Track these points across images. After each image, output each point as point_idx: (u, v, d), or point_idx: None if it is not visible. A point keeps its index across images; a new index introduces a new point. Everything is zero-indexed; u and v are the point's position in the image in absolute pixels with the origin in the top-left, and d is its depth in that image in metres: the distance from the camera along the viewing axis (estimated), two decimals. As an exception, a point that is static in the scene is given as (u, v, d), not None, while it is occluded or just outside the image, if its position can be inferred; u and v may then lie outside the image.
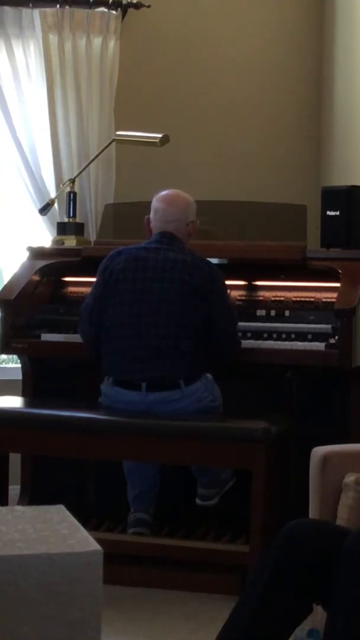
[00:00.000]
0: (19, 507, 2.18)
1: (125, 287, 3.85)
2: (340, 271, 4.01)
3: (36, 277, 4.31)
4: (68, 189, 4.66)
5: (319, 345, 3.85)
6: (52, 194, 4.74)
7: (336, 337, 3.82)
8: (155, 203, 4.00)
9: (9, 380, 4.65)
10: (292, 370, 4.00)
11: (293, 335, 3.94)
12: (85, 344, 3.96)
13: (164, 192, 4.01)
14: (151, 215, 4.00)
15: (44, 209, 4.61)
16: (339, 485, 2.87)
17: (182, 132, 4.92)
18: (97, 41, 4.83)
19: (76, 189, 4.67)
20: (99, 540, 1.91)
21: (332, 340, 3.84)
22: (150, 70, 5.04)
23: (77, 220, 4.68)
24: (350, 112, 4.86)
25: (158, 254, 3.88)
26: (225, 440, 3.62)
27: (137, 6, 4.88)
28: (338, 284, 3.99)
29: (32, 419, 3.85)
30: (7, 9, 4.73)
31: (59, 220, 4.72)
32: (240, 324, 3.94)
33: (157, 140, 4.59)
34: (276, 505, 3.69)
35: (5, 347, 4.18)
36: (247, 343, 3.93)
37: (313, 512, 2.93)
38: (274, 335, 3.96)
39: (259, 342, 3.94)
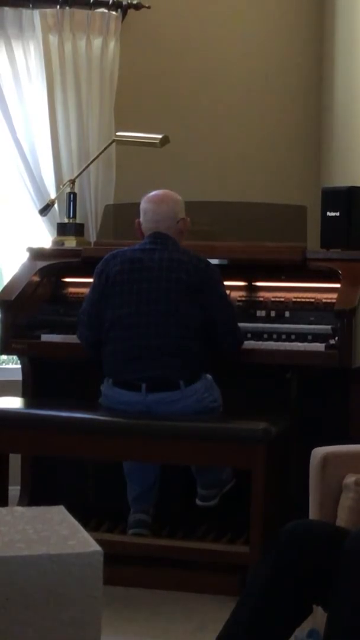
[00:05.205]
0: (19, 508, 2.18)
1: (123, 289, 3.85)
2: (340, 272, 4.01)
3: (36, 278, 4.32)
4: (68, 190, 4.66)
5: (319, 346, 3.85)
6: (52, 194, 4.74)
7: (336, 338, 3.82)
8: (143, 204, 4.00)
9: (8, 380, 4.65)
10: (292, 370, 4.00)
11: (293, 336, 3.94)
12: (84, 348, 3.96)
13: (151, 193, 4.02)
14: (141, 218, 4.00)
15: (44, 210, 4.61)
16: (339, 486, 2.87)
17: (182, 133, 4.91)
18: (97, 42, 4.83)
19: (76, 190, 4.68)
20: (99, 541, 1.91)
21: (332, 341, 3.84)
22: (150, 71, 5.04)
23: (77, 220, 4.68)
24: (350, 112, 4.86)
25: (154, 254, 3.88)
26: (226, 441, 3.63)
27: (137, 7, 4.88)
28: (338, 285, 3.99)
29: (32, 420, 3.85)
30: (7, 9, 4.73)
31: (59, 221, 4.72)
32: (241, 324, 3.94)
33: (157, 141, 4.59)
34: (276, 505, 3.69)
35: (5, 348, 4.18)
36: (247, 344, 3.93)
37: (313, 513, 2.93)
38: (274, 336, 3.96)
39: (259, 342, 3.94)
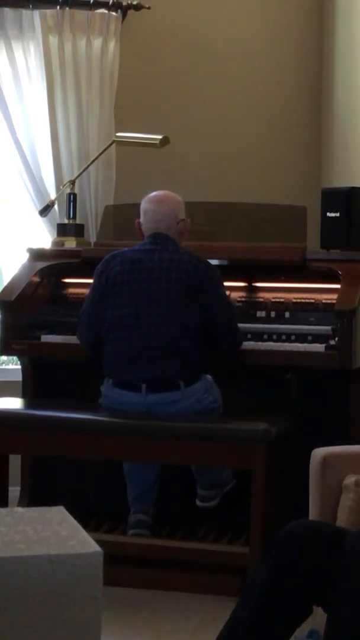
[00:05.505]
0: (19, 509, 2.18)
1: (123, 290, 3.85)
2: (340, 272, 4.01)
3: (36, 279, 4.32)
4: (68, 190, 4.66)
5: (319, 347, 3.85)
6: (52, 195, 4.74)
7: (336, 339, 3.82)
8: (144, 205, 4.00)
9: (9, 381, 4.65)
10: (292, 371, 4.00)
11: (293, 337, 3.94)
12: (85, 349, 3.96)
13: (151, 194, 4.02)
14: (141, 218, 4.00)
15: (44, 210, 4.62)
16: (339, 487, 2.87)
17: (182, 134, 4.91)
18: (97, 42, 4.83)
19: (76, 190, 4.68)
20: (99, 542, 1.91)
21: (332, 342, 3.84)
22: (150, 72, 5.04)
23: (77, 221, 4.68)
24: (351, 113, 4.86)
25: (153, 255, 3.88)
26: (225, 441, 3.63)
27: (137, 8, 4.88)
28: (338, 285, 3.99)
29: (32, 420, 3.85)
30: (7, 10, 4.73)
31: (59, 222, 4.72)
32: (240, 325, 3.94)
33: (157, 142, 4.59)
34: (276, 506, 3.69)
35: (5, 348, 4.18)
36: (247, 344, 3.93)
37: (313, 513, 2.93)
38: (274, 337, 3.97)
39: (259, 343, 3.94)
